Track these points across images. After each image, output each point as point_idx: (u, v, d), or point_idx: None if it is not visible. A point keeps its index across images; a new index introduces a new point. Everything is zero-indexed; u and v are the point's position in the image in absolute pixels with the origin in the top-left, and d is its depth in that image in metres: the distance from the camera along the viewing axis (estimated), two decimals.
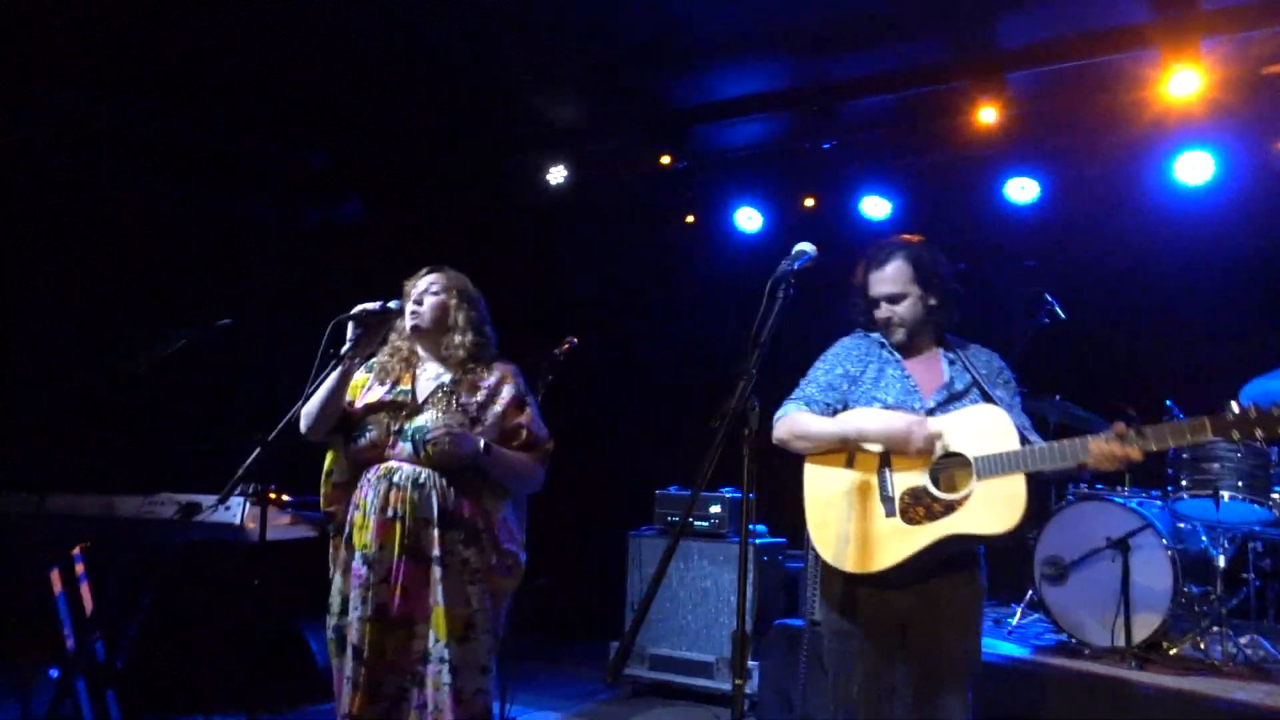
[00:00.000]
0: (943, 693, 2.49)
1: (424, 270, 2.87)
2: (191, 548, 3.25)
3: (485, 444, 2.63)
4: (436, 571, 2.55)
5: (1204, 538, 3.97)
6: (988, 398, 2.60)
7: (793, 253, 2.44)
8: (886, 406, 2.58)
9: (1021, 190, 5.90)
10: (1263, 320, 4.77)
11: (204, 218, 5.63)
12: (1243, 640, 3.79)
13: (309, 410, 2.67)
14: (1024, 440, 2.45)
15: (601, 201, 6.93)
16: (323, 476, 2.80)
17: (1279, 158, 5.19)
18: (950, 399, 2.60)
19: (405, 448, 2.62)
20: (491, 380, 2.75)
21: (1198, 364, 5.09)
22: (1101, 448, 2.35)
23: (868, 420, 2.55)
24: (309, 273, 6.02)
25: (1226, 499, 3.77)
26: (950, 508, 2.44)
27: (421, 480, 2.60)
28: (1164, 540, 3.75)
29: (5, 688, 3.57)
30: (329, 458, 2.81)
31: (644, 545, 5.09)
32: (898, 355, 2.69)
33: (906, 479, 2.51)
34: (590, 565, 6.08)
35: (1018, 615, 4.35)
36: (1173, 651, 3.78)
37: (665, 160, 6.44)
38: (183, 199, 5.50)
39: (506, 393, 2.74)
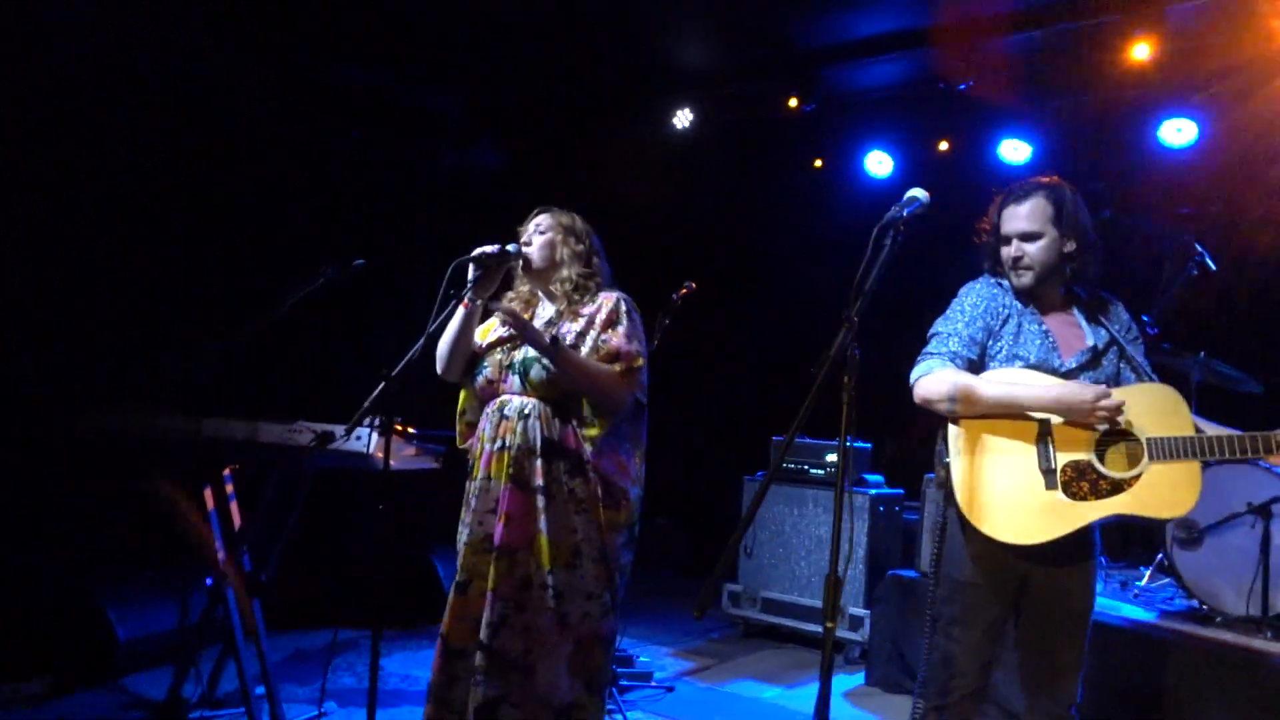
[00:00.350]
0: (1061, 643, 2.45)
1: (534, 212, 2.94)
2: (327, 473, 3.46)
3: (554, 338, 2.61)
4: (540, 500, 2.62)
5: None
6: (1125, 357, 2.51)
7: (904, 199, 2.35)
8: (1028, 366, 2.47)
9: (1178, 133, 5.51)
10: None
11: (347, 160, 5.86)
12: None
13: (441, 352, 2.80)
14: (1197, 425, 2.38)
15: (729, 145, 6.88)
16: (457, 415, 2.94)
17: None
18: (1092, 360, 2.50)
19: (515, 381, 2.72)
20: (593, 308, 2.77)
21: None
22: None
23: (1039, 388, 2.39)
24: (445, 216, 6.22)
25: None
26: (1118, 487, 2.36)
27: (527, 411, 2.67)
28: None
29: (168, 592, 3.95)
30: (462, 397, 2.93)
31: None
32: (1033, 307, 2.54)
33: (1069, 452, 2.40)
34: (711, 508, 6.16)
35: (1145, 578, 4.18)
36: None
37: (793, 103, 6.32)
38: (326, 141, 5.76)
39: (603, 313, 2.74)
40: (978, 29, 5.83)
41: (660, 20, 5.70)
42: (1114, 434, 2.40)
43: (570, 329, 2.74)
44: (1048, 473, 2.39)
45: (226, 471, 3.51)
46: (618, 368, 2.66)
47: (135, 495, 4.15)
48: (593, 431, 2.67)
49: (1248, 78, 5.32)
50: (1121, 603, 3.91)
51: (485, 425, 2.75)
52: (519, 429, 2.67)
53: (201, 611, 3.36)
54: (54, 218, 4.50)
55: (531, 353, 2.69)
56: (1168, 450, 2.33)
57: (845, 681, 4.37)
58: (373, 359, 2.79)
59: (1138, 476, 2.35)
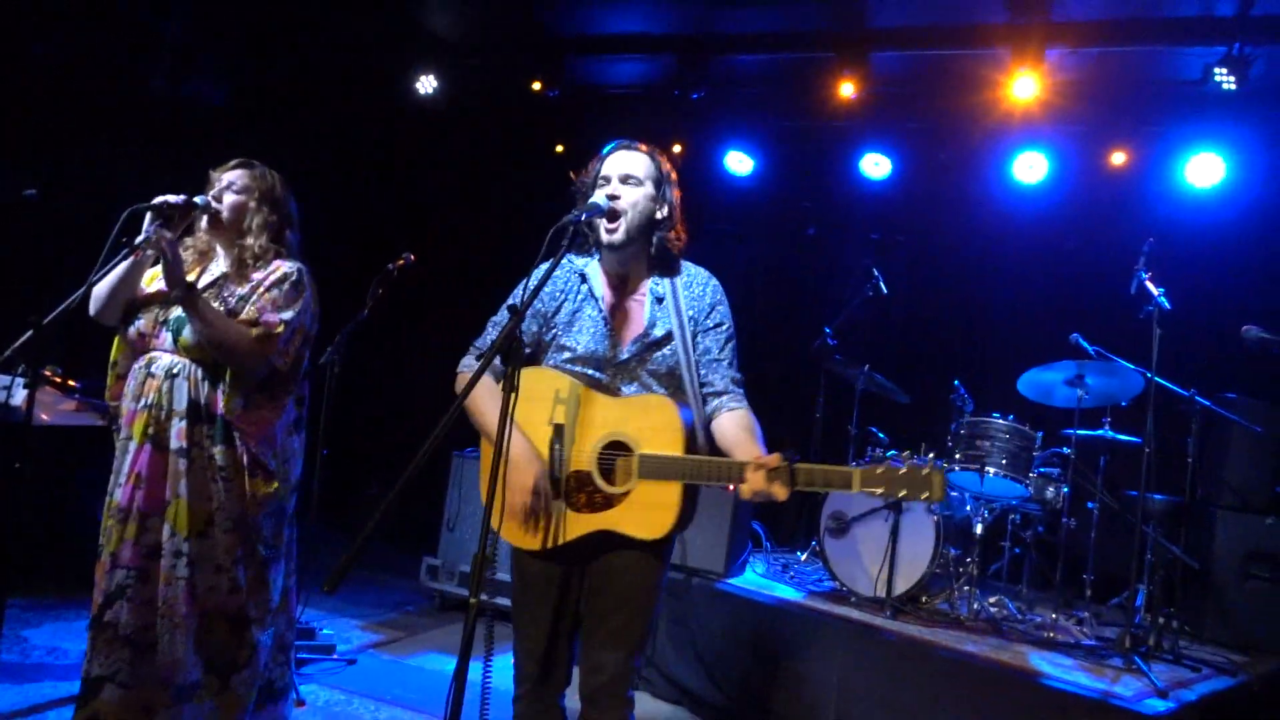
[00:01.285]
0: (611, 621, 2.35)
1: (231, 164, 2.79)
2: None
3: (191, 284, 2.53)
4: (180, 464, 2.53)
5: (968, 507, 4.33)
6: (688, 349, 2.39)
7: (585, 204, 2.42)
8: (575, 356, 2.39)
9: (875, 166, 6.14)
10: (1062, 316, 5.10)
11: (41, 67, 5.22)
12: (990, 600, 4.17)
13: (98, 294, 2.61)
14: (691, 441, 2.28)
15: (471, 119, 6.84)
16: (109, 366, 2.75)
17: (1107, 165, 5.58)
18: (647, 349, 2.39)
19: (167, 338, 2.60)
20: (263, 274, 2.69)
21: (998, 348, 5.51)
22: (752, 478, 2.15)
23: (516, 438, 2.29)
24: (150, 150, 5.70)
25: (991, 474, 4.12)
26: (609, 501, 2.30)
27: (175, 370, 2.57)
28: (932, 506, 4.08)
29: None
30: (115, 347, 2.75)
31: (465, 466, 5.17)
32: (598, 295, 2.43)
33: (576, 463, 2.33)
34: (422, 480, 6.11)
35: (802, 559, 4.72)
36: (927, 605, 4.15)
37: (536, 86, 6.40)
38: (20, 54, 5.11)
39: (269, 280, 2.67)
40: (715, 44, 6.20)
41: None
42: (618, 446, 2.32)
43: (236, 292, 2.65)
44: (554, 481, 2.34)
45: None
46: (254, 332, 2.58)
47: None
48: (231, 398, 2.58)
49: (934, 126, 6.03)
50: (777, 583, 4.34)
51: (131, 381, 2.61)
52: (164, 388, 2.56)
53: None
54: None
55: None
56: (654, 469, 2.26)
57: None
58: (44, 302, 2.56)
59: (627, 493, 2.29)
